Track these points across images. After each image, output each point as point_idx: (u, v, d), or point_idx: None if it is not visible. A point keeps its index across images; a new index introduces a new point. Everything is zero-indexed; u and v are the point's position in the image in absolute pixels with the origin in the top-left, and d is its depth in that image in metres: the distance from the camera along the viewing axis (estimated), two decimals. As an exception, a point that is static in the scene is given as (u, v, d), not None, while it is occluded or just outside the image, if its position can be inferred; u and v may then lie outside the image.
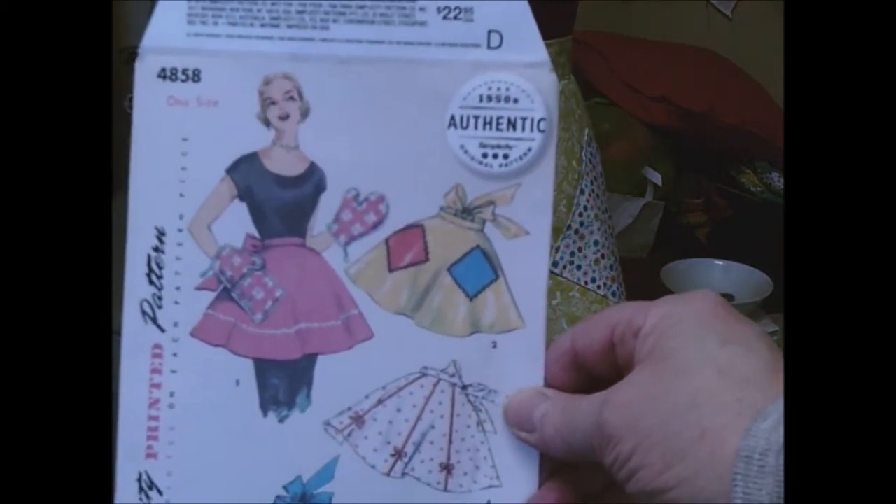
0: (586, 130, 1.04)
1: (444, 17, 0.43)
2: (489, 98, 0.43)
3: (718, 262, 1.74)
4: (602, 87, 1.89)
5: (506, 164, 0.43)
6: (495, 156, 0.43)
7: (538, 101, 0.43)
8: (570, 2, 1.03)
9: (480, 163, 0.43)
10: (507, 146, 0.43)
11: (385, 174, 0.43)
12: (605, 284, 1.04)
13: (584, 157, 1.03)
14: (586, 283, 1.02)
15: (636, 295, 1.14)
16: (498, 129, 0.43)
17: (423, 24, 0.43)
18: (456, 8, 0.43)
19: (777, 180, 1.95)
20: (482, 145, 0.43)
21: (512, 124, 0.43)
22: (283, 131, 0.43)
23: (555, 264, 1.00)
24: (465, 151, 0.43)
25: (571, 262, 1.01)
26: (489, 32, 0.43)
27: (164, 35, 0.43)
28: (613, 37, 1.97)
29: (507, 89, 0.43)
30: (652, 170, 1.77)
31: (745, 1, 2.10)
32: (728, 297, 1.65)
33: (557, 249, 1.00)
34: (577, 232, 1.01)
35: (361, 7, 0.43)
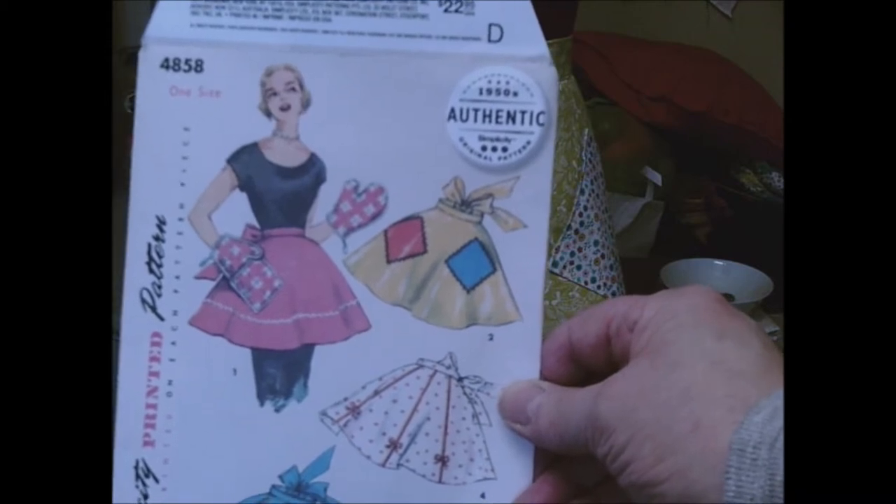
0: (586, 130, 1.04)
1: (445, 11, 0.43)
2: (489, 91, 0.43)
3: (718, 262, 1.74)
4: (602, 87, 1.89)
5: (505, 157, 0.43)
6: (494, 149, 0.43)
7: (538, 95, 0.43)
8: (571, 2, 1.03)
9: (479, 155, 0.43)
10: (507, 139, 0.43)
11: (384, 166, 0.44)
12: (605, 284, 1.04)
13: (584, 157, 1.03)
14: (586, 283, 1.02)
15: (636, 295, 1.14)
16: (497, 122, 0.43)
17: (424, 17, 0.43)
18: (457, 1, 0.43)
19: (777, 180, 1.95)
20: (481, 138, 0.43)
21: (511, 117, 0.43)
22: (283, 122, 0.44)
23: (555, 264, 1.00)
24: (465, 144, 0.43)
25: (571, 262, 1.02)
26: (490, 26, 0.43)
27: (168, 26, 0.43)
28: (613, 37, 1.97)
29: (507, 83, 0.43)
30: (652, 170, 1.77)
31: (745, 1, 2.10)
32: (728, 297, 1.65)
33: (557, 249, 1.00)
34: (577, 232, 1.01)
35: (363, 0, 0.43)
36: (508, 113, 0.43)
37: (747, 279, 1.68)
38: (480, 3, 0.43)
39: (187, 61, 0.43)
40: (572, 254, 1.02)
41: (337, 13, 0.43)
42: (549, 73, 0.43)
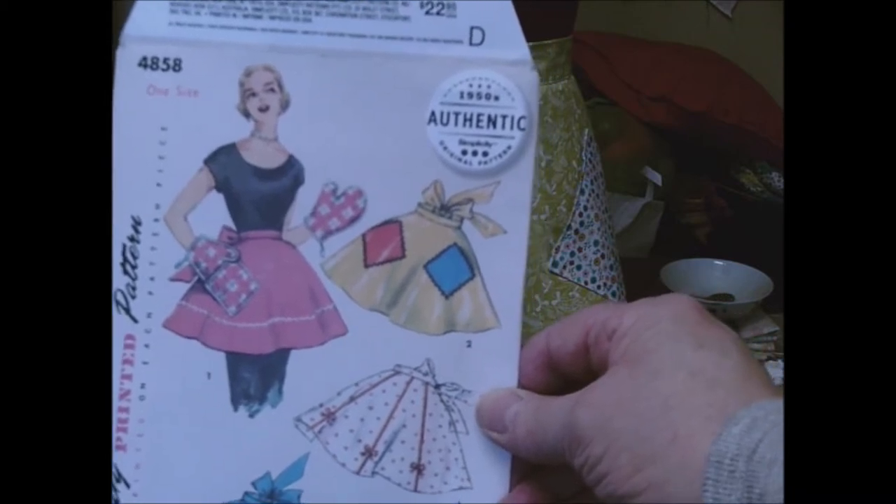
0: (586, 130, 1.04)
1: (427, 13, 0.43)
2: (470, 95, 0.43)
3: (718, 262, 1.74)
4: (602, 87, 1.89)
5: (485, 162, 0.43)
6: (475, 153, 0.43)
7: (519, 99, 0.43)
8: (571, 1, 1.03)
9: (460, 160, 0.43)
10: (487, 144, 0.43)
11: (364, 169, 0.43)
12: (605, 284, 1.04)
13: (584, 157, 1.03)
14: (586, 283, 1.02)
15: (636, 295, 1.15)
16: (478, 126, 0.43)
17: (405, 18, 0.43)
18: (438, 3, 0.43)
19: (777, 180, 1.95)
20: (462, 142, 0.43)
21: (492, 122, 0.43)
22: (262, 123, 0.43)
23: (555, 264, 1.00)
24: (445, 148, 0.43)
25: (571, 262, 1.01)
26: (471, 29, 0.43)
27: (146, 24, 0.43)
28: (613, 37, 1.97)
29: (489, 87, 0.43)
30: (652, 170, 1.77)
31: (745, 1, 2.10)
32: (728, 297, 1.65)
33: (557, 249, 1.00)
34: (577, 232, 1.01)
35: (344, 0, 0.43)
36: (489, 117, 0.43)
37: (747, 279, 1.68)
38: (462, 6, 0.43)
39: (165, 60, 0.43)
40: (572, 254, 1.02)
41: (317, 13, 0.43)
42: (530, 77, 0.43)
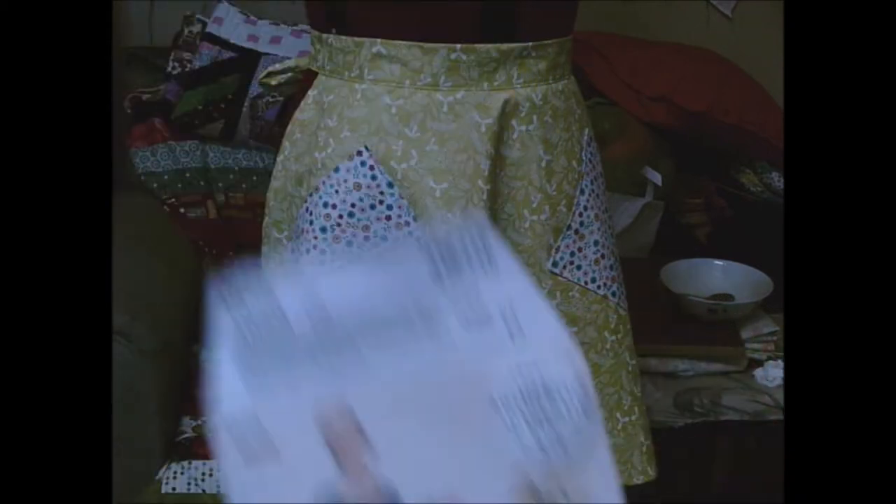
0: (586, 130, 1.04)
1: (466, 324, 0.44)
2: (530, 391, 0.43)
3: (718, 262, 1.74)
4: (602, 87, 1.89)
5: (564, 452, 0.43)
6: (552, 446, 0.43)
7: (574, 386, 0.43)
8: (571, 1, 1.03)
9: (540, 454, 0.43)
10: (560, 433, 0.43)
11: (455, 478, 0.44)
12: (605, 284, 1.04)
13: (584, 157, 1.03)
14: (586, 283, 1.02)
15: (636, 295, 1.14)
16: (547, 420, 0.44)
17: (448, 336, 0.44)
18: (474, 312, 0.44)
19: (777, 180, 1.95)
20: (537, 438, 0.43)
21: (557, 412, 0.43)
22: (349, 460, 0.44)
23: (555, 264, 1.00)
24: (524, 447, 0.43)
25: (571, 262, 1.01)
26: (509, 328, 0.44)
27: (229, 402, 0.43)
28: (613, 37, 1.97)
29: (542, 378, 0.43)
30: (652, 170, 1.77)
31: (745, 1, 2.10)
32: (728, 297, 1.65)
33: (557, 249, 1.00)
34: (577, 232, 1.01)
35: (388, 329, 0.43)
36: (553, 408, 0.43)
37: (747, 279, 1.68)
38: (495, 312, 0.43)
39: (249, 428, 0.43)
40: (572, 254, 1.01)
41: (373, 351, 0.44)
42: (579, 360, 0.43)
